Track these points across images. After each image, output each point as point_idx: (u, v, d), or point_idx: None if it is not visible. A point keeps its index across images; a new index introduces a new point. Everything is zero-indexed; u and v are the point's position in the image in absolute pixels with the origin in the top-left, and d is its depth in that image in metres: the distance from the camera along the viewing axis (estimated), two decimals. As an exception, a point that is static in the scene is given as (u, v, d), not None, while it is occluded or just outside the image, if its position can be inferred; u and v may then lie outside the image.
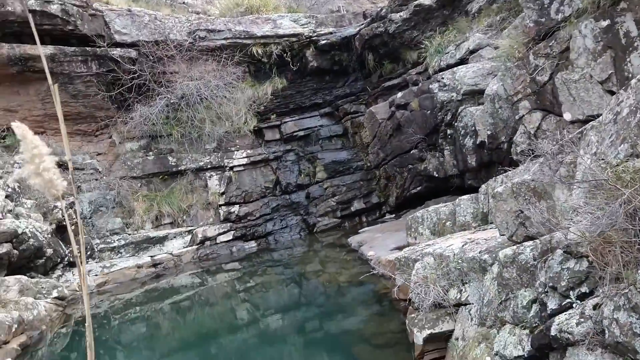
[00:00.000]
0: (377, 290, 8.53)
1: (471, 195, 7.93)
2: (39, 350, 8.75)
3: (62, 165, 15.37)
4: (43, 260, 12.35)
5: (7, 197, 12.20)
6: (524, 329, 2.93)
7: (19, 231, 11.41)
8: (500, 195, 3.79)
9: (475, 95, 11.51)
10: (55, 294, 11.13)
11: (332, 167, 17.79)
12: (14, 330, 8.25)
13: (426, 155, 13.24)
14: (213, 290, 12.24)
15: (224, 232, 16.54)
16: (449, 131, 12.14)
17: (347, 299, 9.01)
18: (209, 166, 17.10)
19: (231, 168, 17.29)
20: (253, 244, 16.81)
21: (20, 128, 0.96)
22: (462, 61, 12.83)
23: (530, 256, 2.98)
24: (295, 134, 18.19)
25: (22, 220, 11.89)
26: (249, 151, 17.54)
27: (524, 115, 8.34)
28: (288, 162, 17.93)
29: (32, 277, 11.21)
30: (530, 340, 2.76)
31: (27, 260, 11.88)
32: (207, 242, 16.25)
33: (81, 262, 0.97)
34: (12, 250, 11.20)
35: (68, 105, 16.16)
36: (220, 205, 16.89)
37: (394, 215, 16.11)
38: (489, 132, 9.77)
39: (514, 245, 3.71)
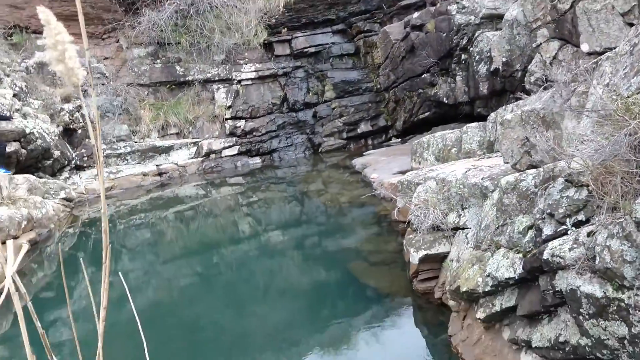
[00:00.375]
0: (378, 212, 8.68)
1: (479, 122, 7.86)
2: (48, 247, 9.06)
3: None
4: (51, 161, 12.52)
5: (14, 95, 12.16)
6: (518, 253, 3.01)
7: (27, 131, 11.48)
8: (508, 123, 3.76)
9: (493, 19, 11.13)
10: (62, 194, 11.37)
11: (342, 87, 17.52)
12: (23, 226, 8.51)
13: (437, 80, 13.01)
14: (216, 203, 12.46)
15: (229, 147, 16.62)
16: (463, 56, 11.85)
17: (347, 219, 9.18)
18: (216, 78, 16.87)
19: (239, 81, 17.06)
20: (257, 159, 16.93)
21: (44, 13, 0.95)
22: (484, -17, 12.28)
23: (531, 183, 3.01)
24: (305, 50, 17.76)
25: (29, 120, 11.93)
26: (257, 65, 17.23)
27: (541, 44, 8.10)
28: (297, 79, 17.64)
29: (40, 178, 11.40)
30: (522, 263, 2.84)
31: (35, 160, 12.04)
32: (212, 155, 16.37)
33: (99, 157, 0.98)
34: (21, 149, 11.33)
35: (74, 5, 15.71)
36: (227, 119, 16.84)
37: (399, 139, 16.08)
38: (504, 59, 9.54)
39: (517, 173, 3.73)
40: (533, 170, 3.10)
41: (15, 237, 8.23)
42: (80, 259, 8.42)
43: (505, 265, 3.08)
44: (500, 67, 9.70)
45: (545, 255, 2.52)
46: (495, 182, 4.09)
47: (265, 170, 15.66)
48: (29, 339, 0.86)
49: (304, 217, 10.15)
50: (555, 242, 2.53)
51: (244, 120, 16.92)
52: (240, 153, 16.75)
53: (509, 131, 3.78)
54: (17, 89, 12.56)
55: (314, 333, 4.84)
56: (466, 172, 4.72)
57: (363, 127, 17.30)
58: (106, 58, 16.50)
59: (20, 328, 0.85)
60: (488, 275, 3.24)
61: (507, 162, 3.89)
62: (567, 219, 2.54)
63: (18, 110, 11.95)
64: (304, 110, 17.54)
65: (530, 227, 2.96)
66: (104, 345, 0.91)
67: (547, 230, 2.69)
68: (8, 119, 11.20)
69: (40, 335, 0.91)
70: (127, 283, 7.26)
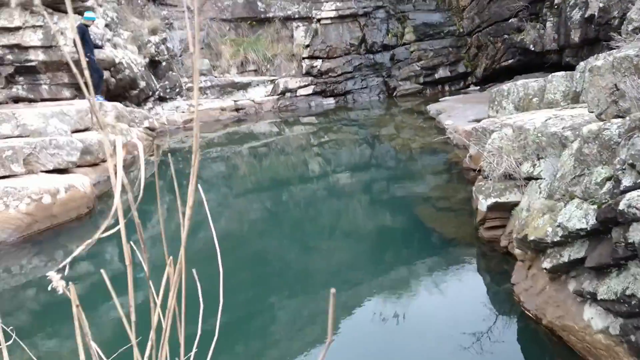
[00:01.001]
0: (449, 159, 8.56)
1: (566, 72, 7.43)
2: (132, 171, 9.67)
3: (155, 0, 15.55)
4: (136, 91, 13.14)
5: (106, 25, 12.70)
6: (593, 204, 2.93)
7: (117, 61, 12.04)
8: (598, 70, 3.57)
9: (595, -39, 10.26)
10: (146, 124, 11.97)
11: (422, 30, 16.95)
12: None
13: (526, 25, 12.30)
14: (289, 141, 12.69)
15: (305, 86, 16.70)
16: (556, 0, 11.09)
17: (418, 164, 9.12)
18: (296, 16, 16.78)
19: (318, 20, 16.89)
20: (331, 100, 16.94)
21: None
22: None
23: (615, 133, 2.88)
24: (388, -11, 17.22)
25: (119, 50, 12.49)
26: (338, 4, 16.93)
27: (646, -11, 7.43)
28: (377, 19, 17.22)
29: (127, 106, 12.02)
30: (596, 214, 2.78)
31: (122, 89, 12.67)
32: (288, 94, 16.54)
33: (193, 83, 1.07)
34: (110, 78, 11.93)
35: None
36: (304, 58, 16.84)
37: (478, 87, 15.52)
38: (601, 4, 8.86)
39: (601, 122, 3.58)
40: (618, 120, 2.96)
41: (104, 161, 8.81)
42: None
43: (578, 216, 3.02)
44: (596, 14, 9.04)
45: (622, 206, 2.45)
46: (577, 132, 3.93)
47: (338, 112, 15.68)
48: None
49: (373, 160, 10.17)
50: (633, 194, 2.44)
51: (321, 60, 16.86)
52: (315, 93, 16.82)
53: (597, 78, 3.59)
54: (108, 19, 13.09)
55: (377, 274, 4.96)
56: (546, 120, 4.55)
57: (441, 73, 16.80)
58: (191, -9, 16.71)
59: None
60: (559, 225, 3.19)
61: (592, 112, 3.71)
62: (650, 172, 2.44)
63: (109, 40, 12.50)
64: (381, 53, 17.22)
65: (608, 179, 2.87)
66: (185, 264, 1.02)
67: (626, 182, 2.60)
68: (100, 47, 11.76)
69: (136, 225, 1.03)
70: (201, 213, 7.67)
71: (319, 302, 4.68)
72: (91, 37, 11.25)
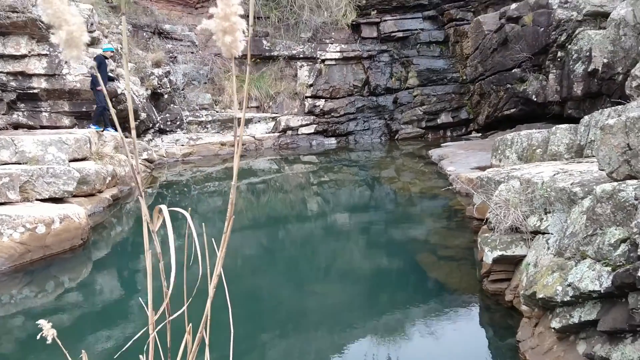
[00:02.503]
0: (451, 206, 8.47)
1: (570, 124, 7.43)
2: (128, 203, 9.55)
3: (161, 34, 15.73)
4: (137, 123, 13.13)
5: (110, 56, 12.80)
6: (606, 265, 2.82)
7: (119, 91, 12.07)
8: (610, 128, 3.52)
9: (597, 17, 10.46)
10: (145, 155, 11.92)
11: (426, 75, 17.15)
12: (107, 181, 9.00)
13: (528, 76, 12.43)
14: (288, 179, 12.63)
15: (307, 125, 16.76)
16: (559, 53, 11.24)
17: (417, 209, 9.03)
18: (301, 55, 16.98)
19: (323, 61, 17.09)
20: (333, 140, 16.97)
21: None
22: (592, -23, 11.54)
23: (632, 195, 2.80)
24: (393, 34, 17.48)
25: (122, 81, 12.53)
26: (343, 46, 17.17)
27: (650, 47, 7.53)
28: (381, 62, 17.43)
29: (127, 137, 11.98)
30: (611, 277, 2.67)
31: (122, 120, 12.63)
32: (289, 132, 16.58)
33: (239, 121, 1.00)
34: (111, 108, 11.94)
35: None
36: (307, 97, 16.96)
37: (480, 134, 15.58)
38: (605, 60, 8.95)
39: (613, 182, 3.50)
40: (634, 182, 2.89)
41: (100, 192, 8.72)
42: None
43: (591, 277, 2.91)
44: (600, 69, 9.13)
45: (641, 273, 2.35)
46: (586, 189, 3.86)
47: (339, 152, 15.68)
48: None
49: (373, 202, 10.08)
50: (653, 260, 2.35)
51: (324, 99, 16.97)
52: (316, 132, 16.86)
53: (609, 137, 3.54)
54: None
55: (373, 319, 4.80)
56: (554, 175, 4.49)
57: (443, 118, 16.90)
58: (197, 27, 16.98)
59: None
60: (569, 285, 3.07)
61: (603, 170, 3.65)
62: (670, 237, 2.34)
63: (112, 71, 12.58)
64: (384, 95, 17.36)
65: (623, 241, 2.77)
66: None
67: (645, 247, 2.50)
68: (113, 79, 11.83)
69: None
70: (194, 247, 7.53)
71: (310, 343, 4.51)
72: (107, 69, 11.38)
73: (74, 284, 5.90)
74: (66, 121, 11.51)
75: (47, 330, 1.63)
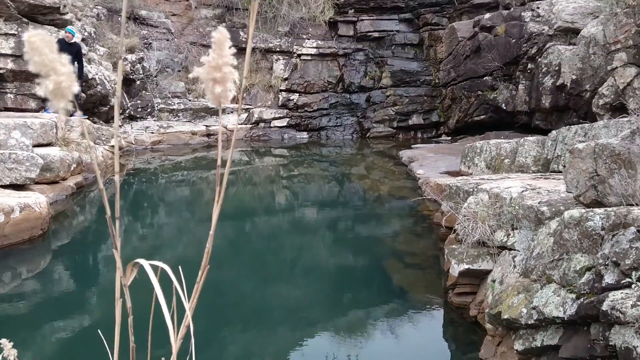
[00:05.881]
0: (418, 210, 8.56)
1: (538, 137, 7.60)
2: (92, 192, 9.33)
3: (137, 19, 15.38)
4: (106, 108, 12.83)
5: (82, 40, 12.44)
6: (571, 292, 2.90)
7: (89, 76, 11.74)
8: (579, 152, 3.60)
9: (568, 33, 10.69)
10: (113, 142, 11.65)
11: (399, 76, 17.27)
12: (72, 169, 8.76)
13: (499, 85, 12.65)
14: (258, 171, 12.57)
15: (279, 118, 16.68)
16: (529, 65, 11.46)
17: (386, 209, 9.09)
18: (277, 49, 16.85)
19: (299, 55, 17.01)
20: (305, 135, 16.95)
21: (221, 34, 0.93)
22: (566, -8, 11.79)
23: (599, 225, 2.87)
24: (369, 34, 17.54)
25: (93, 66, 12.21)
26: (319, 42, 17.12)
27: (617, 68, 7.75)
28: (356, 61, 17.46)
29: (95, 123, 11.70)
30: (576, 306, 2.74)
31: (92, 105, 12.35)
32: (262, 124, 16.47)
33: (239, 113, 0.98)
34: (81, 93, 11.61)
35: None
36: (281, 91, 16.87)
37: (450, 138, 15.79)
38: (573, 77, 9.17)
39: (579, 205, 3.59)
40: (601, 210, 2.97)
41: (64, 179, 8.48)
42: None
43: (555, 302, 2.98)
44: (568, 84, 9.35)
45: (605, 307, 2.42)
46: (553, 209, 3.95)
47: (311, 147, 15.67)
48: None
49: (341, 199, 10.11)
50: (617, 294, 2.42)
51: (298, 94, 16.91)
52: (289, 125, 16.80)
53: (578, 161, 3.63)
54: (85, 33, 12.83)
55: (334, 319, 4.83)
56: (522, 191, 4.58)
57: (415, 119, 17.05)
58: (174, 14, 16.66)
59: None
60: (534, 308, 3.15)
61: (570, 192, 3.74)
62: (634, 272, 2.42)
63: (84, 55, 12.24)
64: (358, 93, 17.41)
65: (588, 269, 2.85)
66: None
67: (609, 279, 2.58)
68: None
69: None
70: (160, 236, 7.47)
71: (271, 339, 4.52)
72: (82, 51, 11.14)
73: (31, 274, 5.76)
74: (32, 104, 11.14)
75: (8, 350, 1.58)
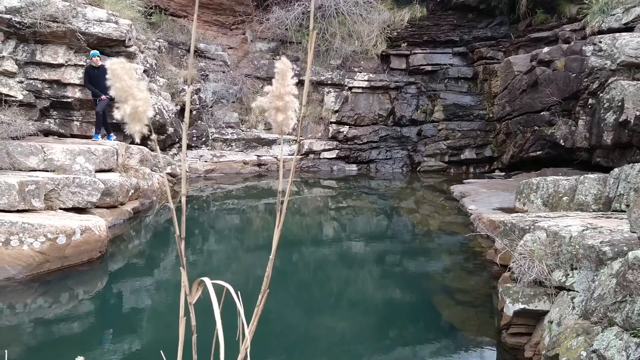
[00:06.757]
0: (470, 247, 8.35)
1: (599, 175, 7.32)
2: (148, 217, 9.61)
3: (195, 52, 16.00)
4: (164, 137, 13.30)
5: (144, 71, 13.04)
6: (635, 336, 2.74)
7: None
8: (644, 190, 3.45)
9: (632, 68, 10.37)
10: (168, 169, 12.04)
11: (452, 110, 17.14)
12: (130, 194, 9.08)
13: (557, 120, 12.33)
14: (306, 202, 12.62)
15: (329, 150, 16.82)
16: (590, 101, 11.14)
17: (435, 244, 8.90)
18: (329, 82, 17.13)
19: (350, 88, 17.21)
20: (354, 167, 16.99)
21: (284, 64, 0.98)
22: (628, 27, 11.50)
23: (667, 266, 2.73)
24: (422, 67, 17.57)
25: (152, 96, 12.73)
26: (371, 75, 17.29)
27: (685, 103, 7.41)
28: (408, 94, 17.49)
29: (152, 151, 12.12)
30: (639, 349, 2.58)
31: (149, 133, 12.82)
32: (311, 155, 16.65)
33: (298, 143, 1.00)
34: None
35: (212, -5, 16.60)
36: (331, 123, 17.06)
37: (504, 173, 15.46)
38: (637, 113, 8.85)
39: (645, 246, 3.42)
40: (670, 252, 2.81)
41: (122, 204, 8.79)
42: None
43: (617, 346, 2.82)
44: (632, 120, 9.02)
45: (676, 354, 2.27)
46: (615, 249, 3.78)
47: (360, 179, 15.66)
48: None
49: (389, 232, 9.98)
50: (689, 342, 2.27)
51: (348, 126, 17.04)
52: (338, 157, 16.91)
53: (643, 199, 3.47)
54: (147, 65, 13.45)
55: (380, 355, 4.70)
56: (583, 230, 4.40)
57: (467, 154, 16.81)
58: (230, 48, 17.29)
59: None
60: (594, 352, 2.99)
61: (635, 232, 3.57)
62: None
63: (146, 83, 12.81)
64: (409, 127, 17.38)
65: (656, 313, 2.69)
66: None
67: (679, 324, 2.42)
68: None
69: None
70: (209, 263, 7.56)
71: None
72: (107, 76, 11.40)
73: (88, 296, 5.92)
74: (96, 131, 11.69)
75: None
